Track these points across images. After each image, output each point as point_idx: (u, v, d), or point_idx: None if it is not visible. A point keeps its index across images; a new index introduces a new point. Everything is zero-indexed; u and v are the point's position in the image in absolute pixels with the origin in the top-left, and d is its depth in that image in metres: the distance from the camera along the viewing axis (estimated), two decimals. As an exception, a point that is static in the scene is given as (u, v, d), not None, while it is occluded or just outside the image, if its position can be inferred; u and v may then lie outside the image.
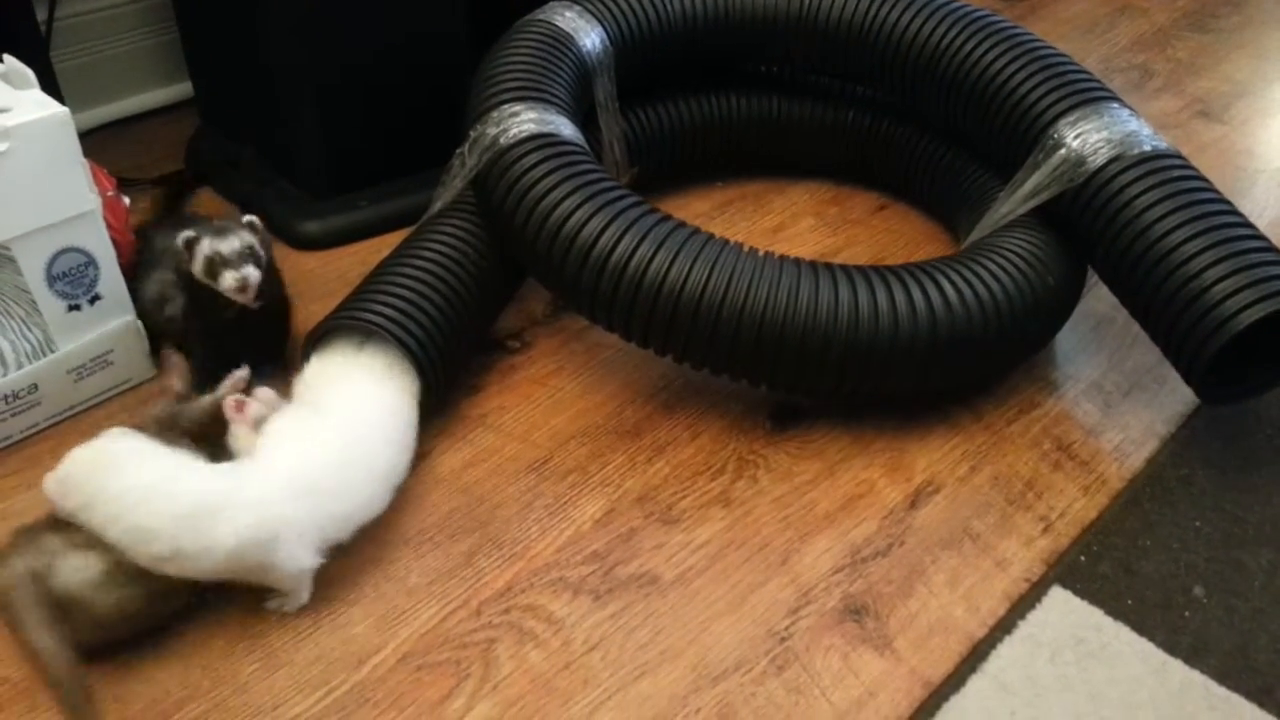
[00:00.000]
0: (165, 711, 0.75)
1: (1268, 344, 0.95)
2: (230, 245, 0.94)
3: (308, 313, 1.06)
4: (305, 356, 0.95)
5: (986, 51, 1.10)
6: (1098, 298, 1.18)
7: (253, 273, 0.94)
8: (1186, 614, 0.84)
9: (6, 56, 1.03)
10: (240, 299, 0.94)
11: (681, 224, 0.95)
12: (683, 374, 1.08)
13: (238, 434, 0.87)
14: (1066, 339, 1.13)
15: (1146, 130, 1.02)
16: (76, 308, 0.99)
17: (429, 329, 0.95)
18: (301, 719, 0.74)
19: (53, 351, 0.99)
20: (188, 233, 0.95)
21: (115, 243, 1.01)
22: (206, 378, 0.94)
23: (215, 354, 0.97)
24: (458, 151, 1.07)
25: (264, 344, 1.02)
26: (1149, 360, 1.10)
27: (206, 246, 0.94)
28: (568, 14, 1.19)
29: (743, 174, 1.42)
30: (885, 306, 0.91)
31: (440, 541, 0.89)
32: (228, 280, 0.93)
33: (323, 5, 1.19)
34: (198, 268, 0.95)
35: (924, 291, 0.93)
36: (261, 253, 0.96)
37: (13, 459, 0.96)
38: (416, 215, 1.13)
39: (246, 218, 0.99)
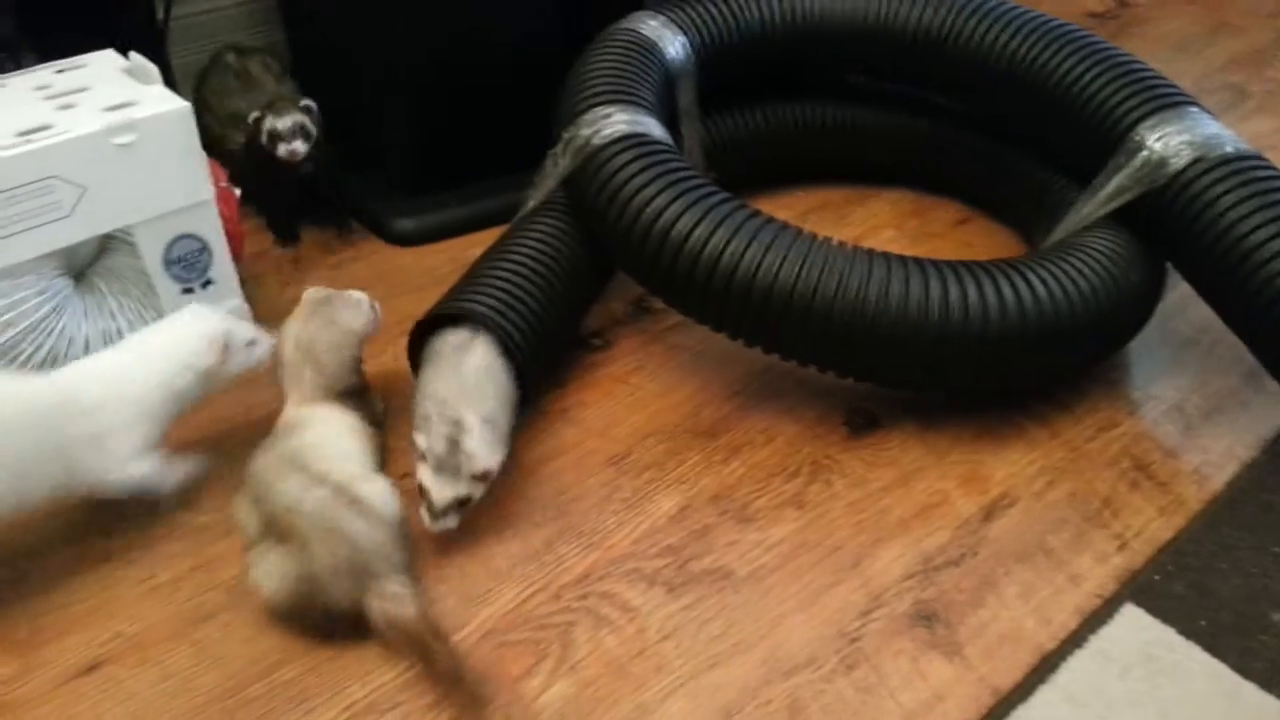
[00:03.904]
0: (263, 671, 0.80)
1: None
2: (285, 123, 1.24)
3: (397, 306, 1.11)
4: (413, 344, 1.00)
5: (1066, 59, 1.12)
6: (1182, 320, 1.17)
7: (299, 146, 1.24)
8: (1262, 638, 0.83)
9: (133, 54, 1.10)
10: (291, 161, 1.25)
11: (771, 219, 0.98)
12: (759, 378, 1.10)
13: None
14: (1148, 360, 1.13)
15: (1228, 133, 1.03)
16: (190, 290, 1.05)
17: (530, 321, 0.98)
18: (389, 686, 0.78)
19: (166, 331, 1.04)
20: (255, 112, 1.24)
21: (226, 232, 1.07)
22: (281, 227, 1.34)
23: (280, 207, 1.34)
24: (550, 152, 1.11)
25: (324, 202, 1.35)
26: (1231, 383, 1.09)
27: (268, 124, 1.24)
28: (652, 23, 1.23)
29: (824, 182, 1.43)
30: (975, 300, 0.93)
31: (523, 528, 0.92)
32: (281, 150, 1.24)
33: (420, 6, 1.25)
34: (263, 139, 1.24)
35: (1013, 286, 0.94)
36: (312, 130, 1.25)
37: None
38: (506, 215, 1.17)
39: (304, 102, 1.26)
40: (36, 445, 0.82)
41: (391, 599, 0.78)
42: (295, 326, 0.95)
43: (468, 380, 0.92)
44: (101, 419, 0.85)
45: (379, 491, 0.84)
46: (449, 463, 0.85)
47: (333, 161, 1.31)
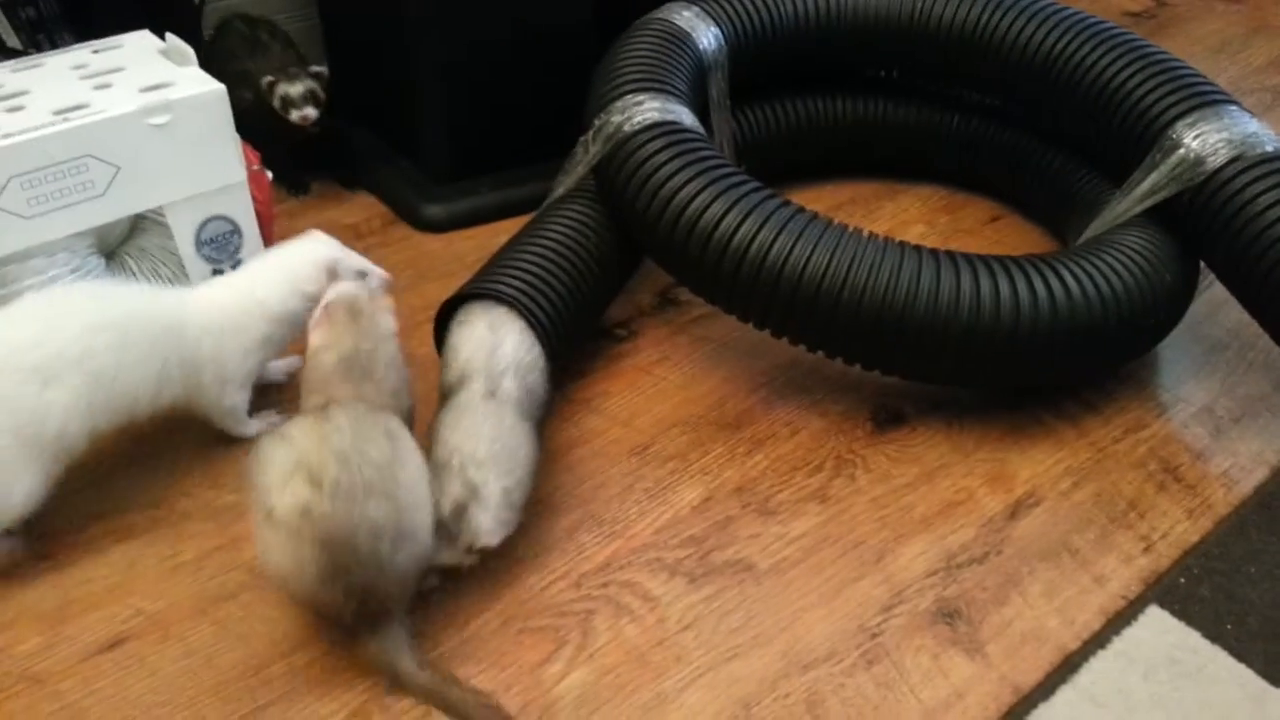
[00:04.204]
0: (284, 652, 0.80)
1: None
2: (297, 89, 1.29)
3: (426, 293, 1.11)
4: (438, 326, 1.00)
5: (1102, 56, 1.11)
6: (1213, 323, 1.16)
7: (311, 111, 1.29)
8: (1290, 645, 0.82)
9: (169, 35, 1.11)
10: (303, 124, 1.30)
11: (801, 209, 0.97)
12: (784, 371, 1.09)
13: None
14: (1178, 362, 1.12)
15: (1268, 132, 1.01)
16: (220, 272, 1.06)
17: (555, 304, 0.98)
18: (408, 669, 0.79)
19: (196, 312, 1.05)
20: (268, 77, 1.29)
21: (258, 214, 1.08)
22: (291, 182, 1.41)
23: (293, 161, 1.38)
24: (581, 139, 1.11)
25: (330, 156, 1.42)
26: (1263, 388, 1.07)
27: (280, 90, 1.29)
28: (686, 13, 1.23)
29: (854, 177, 1.43)
30: (1006, 294, 0.92)
31: (544, 515, 0.92)
32: (294, 116, 1.29)
33: (456, -3, 1.25)
34: (275, 103, 1.29)
35: (1044, 281, 0.94)
36: (322, 95, 1.30)
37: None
38: (535, 203, 1.17)
39: (314, 68, 1.31)
40: (165, 357, 0.87)
41: (392, 644, 0.75)
42: (337, 339, 0.84)
43: (499, 440, 0.84)
44: (223, 342, 0.91)
45: (428, 528, 0.77)
46: (449, 528, 0.79)
47: (338, 122, 1.37)
